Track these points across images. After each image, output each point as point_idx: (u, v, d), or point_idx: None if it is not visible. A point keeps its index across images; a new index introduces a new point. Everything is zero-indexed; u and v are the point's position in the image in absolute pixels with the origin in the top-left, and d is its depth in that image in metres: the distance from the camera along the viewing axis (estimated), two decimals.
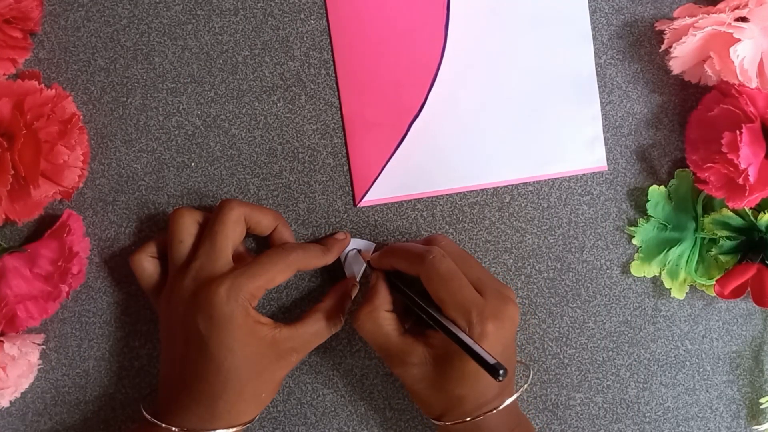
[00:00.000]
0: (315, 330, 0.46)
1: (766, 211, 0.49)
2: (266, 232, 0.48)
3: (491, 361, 0.37)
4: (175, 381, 0.44)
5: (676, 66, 0.50)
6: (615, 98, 0.53)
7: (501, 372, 0.36)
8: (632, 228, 0.53)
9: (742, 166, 0.46)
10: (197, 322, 0.42)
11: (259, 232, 0.48)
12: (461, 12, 0.51)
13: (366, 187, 0.51)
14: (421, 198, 0.52)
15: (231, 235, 0.45)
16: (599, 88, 0.53)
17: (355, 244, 0.51)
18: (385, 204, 0.52)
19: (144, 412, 0.44)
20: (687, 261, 0.53)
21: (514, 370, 0.47)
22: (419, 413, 0.52)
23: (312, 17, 0.51)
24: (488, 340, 0.41)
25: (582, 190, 0.53)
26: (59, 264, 0.47)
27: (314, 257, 0.47)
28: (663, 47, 0.50)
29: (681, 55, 0.49)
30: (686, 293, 0.53)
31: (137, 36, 0.51)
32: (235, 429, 0.43)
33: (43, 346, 0.50)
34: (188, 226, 0.45)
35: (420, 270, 0.44)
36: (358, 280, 0.50)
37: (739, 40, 0.46)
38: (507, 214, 0.53)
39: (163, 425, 0.42)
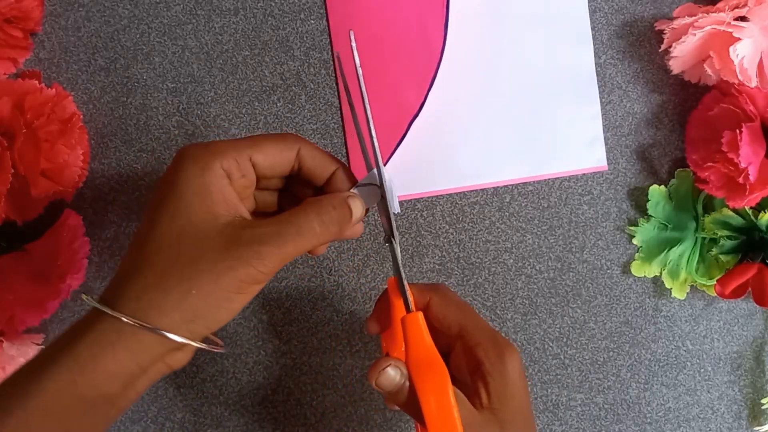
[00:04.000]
0: (298, 225, 0.34)
1: (766, 211, 0.49)
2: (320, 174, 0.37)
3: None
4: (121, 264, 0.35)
5: (675, 66, 0.50)
6: (615, 98, 0.53)
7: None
8: (633, 228, 0.53)
9: (743, 165, 0.46)
10: (159, 183, 0.35)
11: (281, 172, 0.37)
12: (461, 12, 0.51)
13: None
14: (421, 198, 0.52)
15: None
16: (599, 88, 0.53)
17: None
18: None
19: (85, 296, 0.34)
20: (687, 261, 0.52)
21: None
22: None
23: (312, 17, 0.51)
24: (519, 358, 0.37)
25: (582, 190, 0.53)
26: (59, 264, 0.47)
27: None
28: (663, 47, 0.50)
29: (681, 54, 0.49)
30: (687, 293, 0.53)
31: (137, 36, 0.51)
32: (158, 332, 0.32)
33: (43, 346, 0.49)
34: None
35: (434, 295, 0.39)
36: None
37: (739, 39, 0.46)
38: (507, 214, 0.53)
39: (110, 312, 0.32)
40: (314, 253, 0.38)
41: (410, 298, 0.37)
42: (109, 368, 0.31)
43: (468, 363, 0.38)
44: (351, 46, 0.36)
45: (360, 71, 0.35)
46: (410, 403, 0.36)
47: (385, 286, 0.40)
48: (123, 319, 0.31)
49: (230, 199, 0.34)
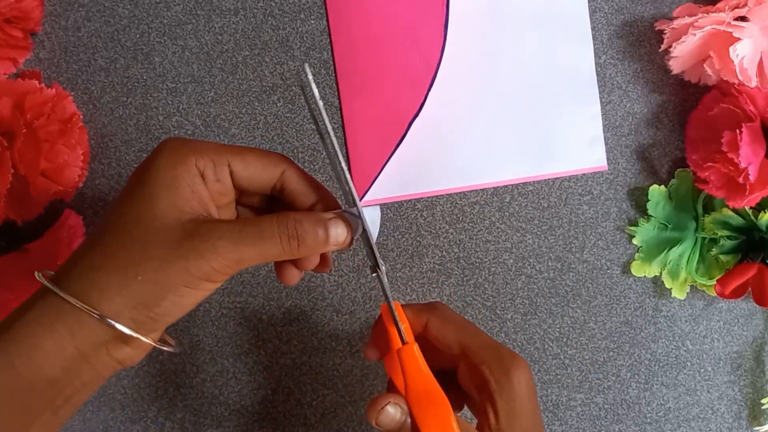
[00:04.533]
0: (261, 230, 0.32)
1: (766, 211, 0.49)
2: (267, 184, 0.35)
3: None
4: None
5: (675, 65, 0.50)
6: (615, 98, 0.53)
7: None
8: (633, 228, 0.53)
9: (743, 165, 0.46)
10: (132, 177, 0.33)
11: (255, 187, 0.35)
12: (461, 11, 0.51)
13: (366, 186, 0.51)
14: (421, 198, 0.52)
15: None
16: (599, 88, 0.53)
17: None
18: (385, 204, 0.52)
19: (37, 272, 0.32)
20: (687, 261, 0.52)
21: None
22: None
23: (312, 17, 0.51)
24: (526, 371, 0.36)
25: (582, 190, 0.53)
26: (59, 264, 0.47)
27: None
28: (663, 47, 0.50)
29: (681, 54, 0.49)
30: (687, 293, 0.53)
31: (137, 36, 0.51)
32: (94, 314, 0.30)
33: None
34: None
35: (431, 316, 0.38)
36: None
37: (739, 39, 0.46)
38: (507, 214, 0.53)
39: (51, 287, 0.31)
40: (306, 268, 0.36)
41: (403, 326, 0.36)
42: (46, 348, 0.30)
43: (474, 381, 0.36)
44: (308, 80, 0.32)
45: (321, 104, 0.33)
46: None
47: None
48: (63, 296, 0.30)
49: (200, 197, 0.32)
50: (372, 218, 0.36)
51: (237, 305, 0.51)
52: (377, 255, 0.36)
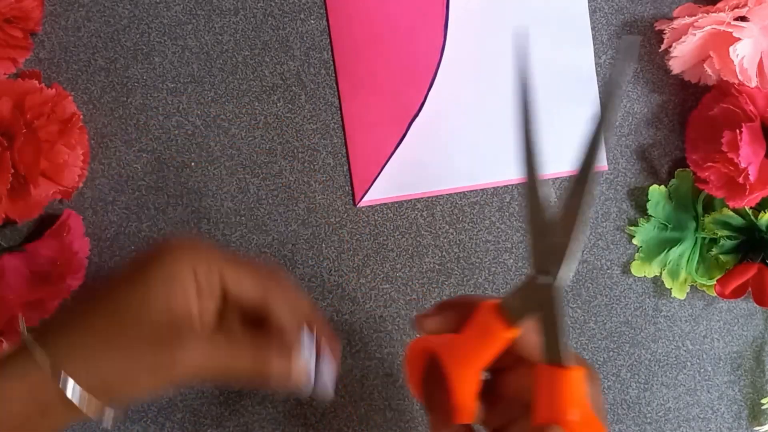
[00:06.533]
0: (233, 353, 0.35)
1: (766, 211, 0.49)
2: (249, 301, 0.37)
3: None
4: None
5: (675, 65, 0.50)
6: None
7: None
8: (633, 228, 0.53)
9: (743, 165, 0.46)
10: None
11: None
12: (461, 11, 0.51)
13: (366, 186, 0.51)
14: (421, 198, 0.52)
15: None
16: (599, 88, 0.53)
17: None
18: (385, 204, 0.52)
19: (22, 326, 0.35)
20: (687, 261, 0.52)
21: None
22: (419, 413, 0.52)
23: (312, 17, 0.51)
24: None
25: None
26: (59, 264, 0.47)
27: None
28: (663, 47, 0.50)
29: (681, 54, 0.49)
30: (687, 293, 0.53)
31: (137, 36, 0.51)
32: (68, 381, 0.32)
33: None
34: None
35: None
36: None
37: (739, 39, 0.46)
38: (507, 214, 0.53)
39: (37, 350, 0.33)
40: (275, 385, 0.37)
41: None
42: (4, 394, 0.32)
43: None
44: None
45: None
46: None
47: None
48: (53, 374, 0.32)
49: (190, 300, 0.34)
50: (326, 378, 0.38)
51: None
52: None
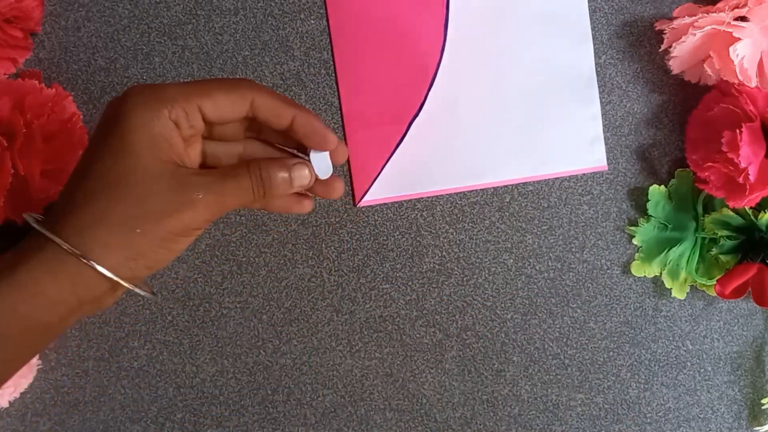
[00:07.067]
0: (239, 182, 0.36)
1: (766, 211, 0.49)
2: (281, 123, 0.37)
3: None
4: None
5: (675, 65, 0.50)
6: (615, 98, 0.53)
7: None
8: (633, 228, 0.53)
9: (743, 165, 0.46)
10: (105, 113, 0.35)
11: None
12: (461, 12, 0.51)
13: (366, 186, 0.51)
14: (421, 198, 0.52)
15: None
16: (599, 88, 0.53)
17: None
18: (385, 204, 0.52)
19: (28, 216, 0.34)
20: (687, 261, 0.52)
21: None
22: (419, 413, 0.52)
23: (312, 17, 0.51)
24: None
25: (582, 190, 0.53)
26: None
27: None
28: (663, 47, 0.50)
29: (681, 54, 0.49)
30: (687, 293, 0.53)
31: (137, 36, 0.51)
32: (96, 267, 0.32)
33: None
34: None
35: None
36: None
37: (739, 39, 0.46)
38: (507, 214, 0.53)
39: (60, 243, 0.32)
40: (291, 210, 0.40)
41: None
42: (49, 296, 0.32)
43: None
44: None
45: None
46: None
47: None
48: (69, 250, 0.31)
49: (177, 148, 0.34)
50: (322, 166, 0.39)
51: (237, 305, 0.51)
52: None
